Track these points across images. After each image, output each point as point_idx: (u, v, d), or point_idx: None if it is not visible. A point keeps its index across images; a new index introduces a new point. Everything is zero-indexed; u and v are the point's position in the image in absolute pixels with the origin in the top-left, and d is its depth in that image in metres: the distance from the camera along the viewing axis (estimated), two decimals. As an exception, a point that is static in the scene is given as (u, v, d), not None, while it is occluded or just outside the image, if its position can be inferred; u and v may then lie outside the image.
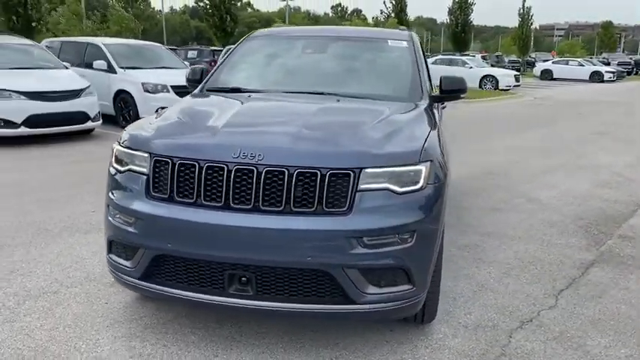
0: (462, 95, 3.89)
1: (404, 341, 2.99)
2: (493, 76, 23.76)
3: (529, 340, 3.04)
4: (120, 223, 2.75)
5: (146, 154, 2.72)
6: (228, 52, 4.30)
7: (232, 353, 2.82)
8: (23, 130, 8.38)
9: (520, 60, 44.93)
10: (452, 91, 3.79)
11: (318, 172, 2.50)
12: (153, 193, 2.68)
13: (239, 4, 18.36)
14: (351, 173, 2.52)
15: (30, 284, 3.56)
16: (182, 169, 2.62)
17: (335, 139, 2.72)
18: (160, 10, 64.68)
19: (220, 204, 2.55)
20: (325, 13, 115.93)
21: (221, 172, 2.55)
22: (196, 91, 3.91)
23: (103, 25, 32.47)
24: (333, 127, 2.87)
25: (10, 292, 3.45)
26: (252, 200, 2.52)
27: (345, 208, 2.51)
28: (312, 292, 2.58)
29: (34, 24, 13.58)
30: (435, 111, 3.67)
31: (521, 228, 5.00)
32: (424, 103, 3.53)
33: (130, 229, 2.70)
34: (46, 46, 11.87)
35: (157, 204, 2.65)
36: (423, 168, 2.65)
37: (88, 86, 9.24)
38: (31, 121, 8.41)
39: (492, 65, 32.67)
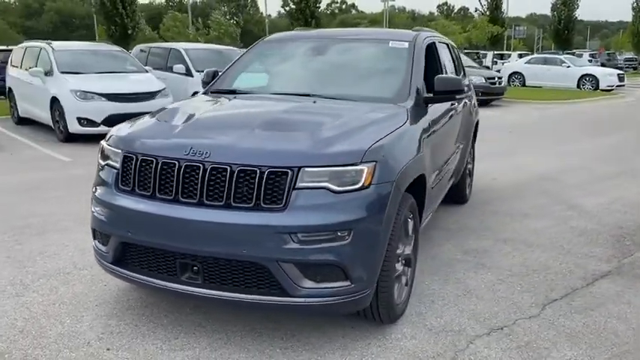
0: (457, 96, 3.82)
1: (359, 339, 3.03)
2: (593, 76, 22.27)
3: (489, 347, 2.97)
4: (98, 213, 3.05)
5: (119, 151, 3.00)
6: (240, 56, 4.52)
7: (192, 337, 3.03)
8: (102, 129, 9.17)
9: (637, 58, 41.63)
10: (445, 92, 3.74)
11: (258, 170, 2.64)
12: (121, 186, 2.95)
13: (343, 6, 18.62)
14: (289, 172, 2.62)
15: (50, 265, 4.00)
16: (143, 164, 2.86)
17: (281, 139, 2.84)
18: (266, 15, 66.98)
19: (171, 197, 2.76)
20: (430, 12, 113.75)
21: (173, 168, 2.76)
22: (201, 92, 4.17)
23: (204, 31, 34.32)
24: (286, 128, 2.99)
25: (31, 270, 3.90)
26: (198, 195, 2.71)
27: (281, 205, 2.62)
28: (253, 284, 2.72)
29: (129, 31, 14.81)
30: (423, 112, 3.64)
31: (545, 235, 4.78)
32: (407, 105, 3.52)
33: (103, 218, 3.00)
34: (141, 51, 12.89)
35: (122, 196, 2.92)
36: (364, 168, 2.69)
37: (164, 88, 9.93)
38: (111, 120, 9.18)
39: (602, 64, 30.64)
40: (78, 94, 9.12)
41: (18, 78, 11.07)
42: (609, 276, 3.93)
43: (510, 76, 24.36)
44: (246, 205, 2.64)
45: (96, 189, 3.11)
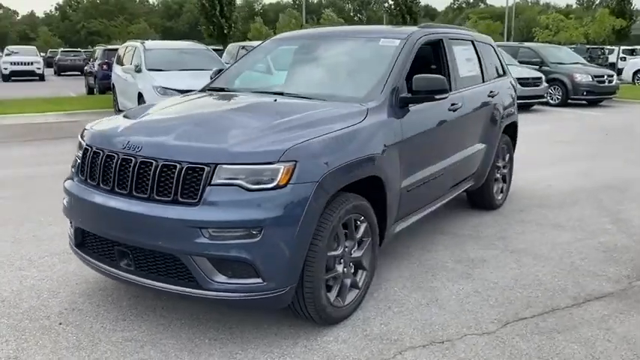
0: (437, 97, 3.64)
1: (290, 338, 3.04)
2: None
3: (417, 359, 2.84)
4: (64, 200, 3.35)
5: (83, 143, 3.27)
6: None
7: (138, 320, 3.21)
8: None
9: None
10: (424, 92, 3.59)
11: (178, 165, 2.75)
12: (79, 176, 3.22)
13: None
14: (206, 168, 2.71)
15: (61, 245, 4.41)
16: (94, 156, 3.10)
17: (206, 136, 2.93)
18: (384, 10, 66.78)
19: (109, 188, 2.97)
20: (567, 5, 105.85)
21: (112, 160, 2.96)
22: (198, 89, 4.37)
23: (316, 28, 35.03)
24: (217, 126, 3.07)
25: (44, 249, 4.34)
26: (129, 187, 2.88)
27: (195, 200, 2.71)
28: (173, 275, 2.84)
29: (225, 31, 15.60)
30: (397, 112, 3.52)
31: (561, 249, 4.39)
32: (372, 104, 3.44)
33: (66, 204, 3.29)
34: (242, 48, 13.66)
35: (79, 185, 3.18)
36: (281, 167, 2.70)
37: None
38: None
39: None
40: (159, 89, 9.82)
41: (118, 74, 12.16)
42: (606, 298, 3.54)
43: (635, 73, 22.19)
44: (166, 199, 2.77)
45: (67, 178, 3.41)
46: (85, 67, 20.70)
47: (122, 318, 3.25)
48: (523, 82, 13.48)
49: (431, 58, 4.43)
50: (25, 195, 5.91)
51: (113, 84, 12.80)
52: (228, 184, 2.69)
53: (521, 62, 15.41)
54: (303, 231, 2.76)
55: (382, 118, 3.42)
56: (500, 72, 5.53)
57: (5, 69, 27.24)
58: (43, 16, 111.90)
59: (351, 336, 3.07)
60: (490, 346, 2.96)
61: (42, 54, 32.68)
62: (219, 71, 4.55)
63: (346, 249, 3.15)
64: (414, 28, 4.24)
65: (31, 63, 27.56)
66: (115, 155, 2.95)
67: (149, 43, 11.54)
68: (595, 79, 15.00)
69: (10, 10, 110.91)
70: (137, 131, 3.12)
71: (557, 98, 15.19)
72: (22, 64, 27.45)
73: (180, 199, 2.74)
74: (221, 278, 2.75)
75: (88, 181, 3.11)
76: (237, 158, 2.72)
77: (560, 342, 3.01)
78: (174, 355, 2.87)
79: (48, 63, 37.46)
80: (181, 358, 2.84)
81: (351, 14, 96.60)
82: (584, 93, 14.89)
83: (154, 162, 2.81)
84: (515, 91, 5.72)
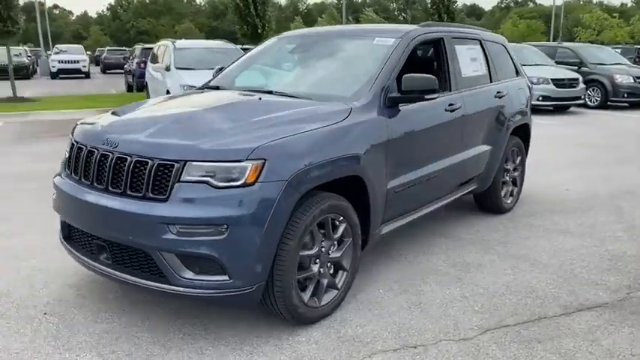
0: (426, 97, 3.57)
1: (263, 336, 3.04)
2: None
3: (385, 363, 2.80)
4: (54, 194, 3.44)
5: (71, 138, 3.36)
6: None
7: (120, 313, 3.28)
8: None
9: None
10: (414, 91, 3.53)
11: (150, 161, 2.79)
12: (66, 170, 3.31)
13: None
14: (176, 164, 2.74)
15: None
16: (78, 151, 3.18)
17: (180, 133, 2.95)
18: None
19: (89, 182, 3.04)
20: (622, 4, 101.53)
21: (93, 156, 3.03)
22: (198, 87, 4.42)
23: (356, 28, 34.97)
24: (193, 123, 3.10)
25: (47, 241, 4.42)
26: (105, 182, 2.94)
27: (164, 197, 2.74)
28: (144, 269, 2.89)
29: (259, 30, 15.72)
30: (384, 112, 3.47)
31: (563, 256, 4.24)
32: (357, 104, 3.40)
33: (55, 197, 3.38)
34: None
35: (65, 179, 3.27)
36: (249, 165, 2.70)
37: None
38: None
39: None
40: (185, 88, 9.98)
41: (150, 72, 12.44)
42: (599, 308, 3.40)
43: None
44: (137, 195, 2.81)
45: (56, 174, 3.50)
46: (125, 66, 21.28)
47: (104, 310, 3.33)
48: (558, 83, 13.07)
49: (430, 57, 4.35)
50: (48, 188, 6.10)
51: (146, 82, 13.10)
52: (196, 181, 2.71)
53: (559, 63, 14.96)
54: (271, 229, 2.75)
55: (367, 118, 3.38)
56: (513, 72, 5.38)
57: (53, 67, 28.27)
58: (96, 16, 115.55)
59: (324, 337, 3.04)
60: (463, 353, 2.89)
61: (89, 52, 33.69)
62: (221, 69, 4.59)
63: (323, 249, 3.13)
64: (412, 27, 4.18)
65: (77, 61, 28.51)
66: (95, 151, 3.02)
67: (179, 42, 11.76)
68: (637, 80, 14.39)
69: (65, 10, 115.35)
70: (117, 128, 3.18)
71: (596, 100, 14.66)
72: (68, 62, 28.42)
73: (151, 195, 2.77)
74: (189, 274, 2.77)
75: (72, 175, 3.20)
76: (206, 156, 2.74)
77: (539, 352, 2.91)
78: (146, 349, 2.91)
79: (96, 61, 38.69)
80: (151, 352, 2.88)
81: (396, 13, 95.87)
82: (625, 95, 14.32)
83: (128, 158, 2.86)
84: (530, 92, 5.56)
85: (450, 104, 4.13)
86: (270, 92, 3.76)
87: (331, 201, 3.08)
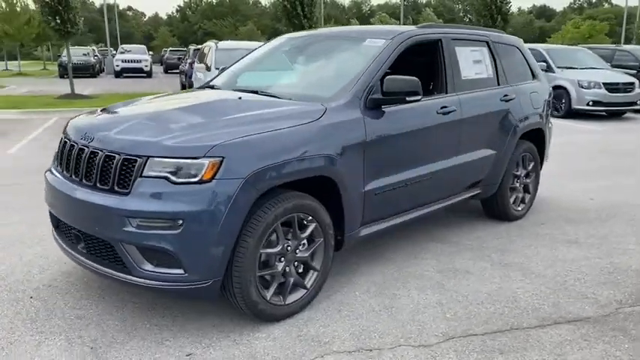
0: (408, 99, 3.53)
1: (226, 330, 3.10)
2: None
3: (334, 364, 2.80)
4: (45, 187, 3.62)
5: (62, 133, 3.55)
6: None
7: (98, 301, 3.43)
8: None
9: None
10: (395, 93, 3.50)
11: (117, 156, 2.92)
12: (54, 163, 3.50)
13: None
14: (139, 160, 2.85)
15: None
16: (63, 145, 3.35)
17: (150, 130, 3.05)
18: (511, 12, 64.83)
19: (69, 175, 3.20)
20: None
21: (73, 150, 3.19)
22: (198, 86, 4.55)
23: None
24: (163, 120, 3.20)
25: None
26: (80, 174, 3.09)
27: (127, 190, 2.86)
28: (110, 260, 3.01)
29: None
30: (364, 113, 3.46)
31: (560, 267, 4.08)
32: (334, 104, 3.41)
33: (44, 190, 3.57)
34: None
35: (52, 172, 3.45)
36: (206, 162, 2.78)
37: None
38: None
39: None
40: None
41: (195, 72, 12.82)
42: (579, 322, 3.25)
43: None
44: (105, 188, 2.94)
45: (47, 170, 3.68)
46: (180, 66, 21.97)
47: (86, 297, 3.49)
48: (611, 87, 12.47)
49: (426, 58, 4.29)
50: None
51: (192, 81, 13.50)
52: (157, 176, 2.81)
53: (617, 67, 14.26)
54: (227, 226, 2.81)
55: (343, 118, 3.38)
56: (528, 75, 5.21)
57: (117, 66, 29.57)
58: (166, 17, 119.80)
59: (284, 334, 3.07)
60: (418, 359, 2.85)
61: (151, 52, 34.98)
62: (224, 69, 4.70)
63: (289, 248, 3.16)
64: (407, 28, 4.13)
65: (140, 61, 29.67)
66: (75, 145, 3.18)
67: (222, 43, 12.05)
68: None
69: (138, 12, 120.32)
70: (96, 124, 3.33)
71: (656, 106, 13.84)
72: (131, 61, 29.63)
73: (116, 189, 2.89)
74: (148, 266, 2.87)
75: (58, 168, 3.38)
76: (167, 152, 2.83)
77: (495, 364, 2.82)
78: (111, 336, 3.04)
79: (161, 61, 40.14)
80: (115, 339, 3.01)
81: (461, 14, 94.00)
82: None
83: (99, 152, 2.99)
84: (549, 95, 5.36)
85: (444, 107, 4.05)
86: (255, 92, 3.83)
87: (297, 200, 3.11)
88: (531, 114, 5.00)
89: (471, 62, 4.47)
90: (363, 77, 3.59)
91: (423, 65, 4.37)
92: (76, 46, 35.73)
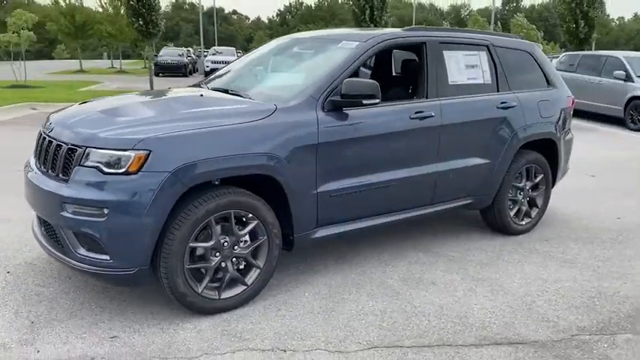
0: (364, 102, 3.48)
1: (160, 318, 3.22)
2: None
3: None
4: None
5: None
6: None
7: (61, 281, 3.67)
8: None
9: None
10: (352, 96, 3.46)
11: (64, 145, 3.13)
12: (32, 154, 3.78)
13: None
14: (79, 150, 3.04)
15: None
16: (37, 136, 3.63)
17: (97, 123, 3.23)
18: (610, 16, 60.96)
19: (36, 163, 3.46)
20: None
21: (39, 139, 3.45)
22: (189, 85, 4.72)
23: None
24: (121, 115, 3.39)
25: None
26: (40, 162, 3.34)
27: (67, 178, 3.06)
28: (58, 243, 3.21)
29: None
30: (313, 114, 3.45)
31: (538, 286, 3.82)
32: (285, 105, 3.43)
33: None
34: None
35: (28, 162, 3.73)
36: (132, 155, 2.91)
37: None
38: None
39: None
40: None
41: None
42: (521, 345, 3.05)
43: None
44: (53, 175, 3.16)
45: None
46: (259, 67, 22.64)
47: (55, 277, 3.74)
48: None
49: (407, 62, 4.18)
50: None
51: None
52: (91, 166, 2.98)
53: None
54: (150, 217, 2.92)
55: (293, 119, 3.39)
56: (540, 82, 4.91)
57: (207, 66, 30.94)
58: (267, 21, 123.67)
59: (210, 328, 3.14)
60: (326, 365, 2.81)
61: (239, 52, 36.22)
62: (214, 70, 4.84)
63: (226, 243, 3.22)
64: (387, 31, 4.06)
65: (228, 62, 30.77)
66: (42, 134, 3.44)
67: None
68: None
69: (242, 15, 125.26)
70: (60, 116, 3.56)
71: None
72: (220, 62, 30.86)
73: (61, 176, 3.10)
74: (82, 251, 3.05)
75: (33, 157, 3.65)
76: (100, 143, 2.99)
77: (403, 377, 2.72)
78: (55, 313, 3.25)
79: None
80: (57, 317, 3.21)
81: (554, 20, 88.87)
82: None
83: (53, 142, 3.22)
84: (563, 103, 5.02)
85: (419, 112, 3.93)
86: (226, 91, 3.92)
87: (232, 197, 3.16)
88: (537, 123, 4.70)
89: (462, 67, 4.30)
90: (324, 79, 3.58)
91: (405, 69, 4.26)
92: (174, 47, 37.92)
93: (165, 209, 2.96)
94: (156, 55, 30.97)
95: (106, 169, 2.94)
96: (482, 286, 3.80)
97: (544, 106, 4.78)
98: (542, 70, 4.94)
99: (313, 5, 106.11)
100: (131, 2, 15.07)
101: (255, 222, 3.29)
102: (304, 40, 4.50)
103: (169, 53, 31.96)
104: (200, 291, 3.18)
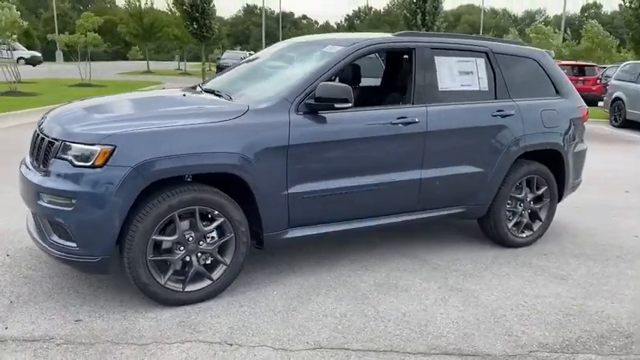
0: (336, 105, 3.52)
1: (127, 306, 3.38)
2: None
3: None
4: None
5: None
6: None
7: (51, 265, 3.92)
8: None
9: None
10: (327, 99, 3.51)
11: (46, 139, 3.36)
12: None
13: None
14: (56, 143, 3.25)
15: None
16: (33, 133, 3.89)
17: (76, 118, 3.44)
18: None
19: (32, 160, 3.70)
20: None
21: (34, 136, 3.71)
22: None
23: (573, 42, 32.19)
24: (102, 111, 3.58)
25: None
26: (32, 155, 3.58)
27: (46, 169, 3.28)
28: (39, 231, 3.43)
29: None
30: (285, 116, 3.51)
31: (513, 300, 3.71)
32: (256, 106, 3.52)
33: None
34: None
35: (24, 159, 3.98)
36: (98, 149, 3.09)
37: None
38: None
39: None
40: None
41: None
42: (473, 357, 2.99)
43: None
44: (37, 166, 3.39)
45: None
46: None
47: (47, 262, 3.97)
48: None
49: (397, 67, 4.17)
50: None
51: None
52: (64, 158, 3.18)
53: None
54: (112, 209, 3.08)
55: (264, 120, 3.47)
56: (548, 91, 4.76)
57: (220, 65, 31.67)
58: (335, 26, 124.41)
59: (169, 319, 3.26)
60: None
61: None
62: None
63: (190, 238, 3.34)
64: (377, 35, 4.08)
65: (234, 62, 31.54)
66: (35, 130, 3.69)
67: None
68: None
69: (312, 20, 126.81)
70: (54, 113, 3.79)
71: None
72: (228, 60, 31.58)
73: (42, 167, 3.33)
74: (55, 238, 3.26)
75: (28, 154, 3.91)
76: (74, 138, 3.19)
77: (338, 379, 2.73)
78: (35, 296, 3.48)
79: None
80: (35, 298, 3.44)
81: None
82: None
83: (39, 135, 3.46)
84: (573, 113, 4.83)
85: (401, 117, 3.91)
86: (212, 92, 4.06)
87: (197, 194, 3.28)
88: (539, 133, 4.55)
89: (455, 73, 4.23)
90: (299, 82, 3.64)
91: (395, 75, 4.24)
92: (237, 50, 38.98)
93: (127, 202, 3.11)
94: (218, 58, 31.98)
95: (76, 162, 3.13)
96: (456, 296, 3.73)
97: (548, 115, 4.62)
98: (550, 79, 4.78)
99: (382, 10, 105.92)
100: (185, 7, 15.68)
101: (222, 219, 3.39)
102: (299, 44, 4.57)
103: (231, 56, 32.86)
104: (163, 282, 3.31)
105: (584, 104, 5.01)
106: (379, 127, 3.85)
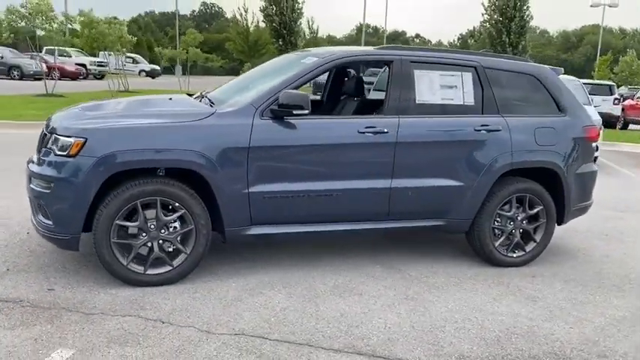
0: (294, 112, 3.75)
1: (99, 282, 3.80)
2: None
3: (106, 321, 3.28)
4: None
5: None
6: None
7: (52, 251, 4.47)
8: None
9: None
10: (286, 106, 3.76)
11: (44, 131, 3.91)
12: None
13: None
14: (49, 134, 3.79)
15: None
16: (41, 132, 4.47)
17: (72, 115, 3.95)
18: None
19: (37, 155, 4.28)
20: None
21: (41, 134, 4.29)
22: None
23: None
24: (97, 110, 4.06)
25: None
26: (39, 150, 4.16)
27: (39, 158, 3.81)
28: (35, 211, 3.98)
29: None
30: (249, 120, 3.78)
31: (463, 314, 3.67)
32: (223, 110, 3.84)
33: None
34: None
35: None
36: (72, 141, 3.56)
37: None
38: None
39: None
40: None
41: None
42: (372, 357, 3.05)
43: None
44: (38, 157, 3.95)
45: None
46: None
47: (43, 245, 4.52)
48: None
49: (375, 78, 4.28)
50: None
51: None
52: (51, 149, 3.69)
53: None
54: (80, 194, 3.53)
55: (227, 123, 3.77)
56: (549, 108, 4.61)
57: None
58: (448, 45, 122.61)
59: (125, 295, 3.62)
60: (185, 339, 3.13)
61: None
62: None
63: (152, 226, 3.70)
64: (349, 49, 4.26)
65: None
66: (43, 129, 4.26)
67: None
68: None
69: (425, 39, 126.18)
70: (58, 112, 4.34)
71: None
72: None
73: (42, 158, 3.86)
74: (40, 217, 3.77)
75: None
76: (60, 131, 3.69)
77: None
78: (29, 267, 4.01)
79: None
80: (28, 268, 3.97)
81: None
82: None
83: (43, 131, 4.02)
84: (576, 132, 4.64)
85: (370, 127, 4.03)
86: (203, 97, 4.44)
87: (159, 186, 3.65)
88: (530, 150, 4.44)
89: (436, 86, 4.27)
90: (267, 89, 3.92)
91: (365, 83, 4.37)
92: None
93: (92, 188, 3.54)
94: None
95: (57, 152, 3.62)
96: (406, 304, 3.77)
97: (543, 133, 4.49)
98: (552, 96, 4.63)
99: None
100: (274, 24, 16.53)
101: (182, 211, 3.73)
102: (292, 56, 4.84)
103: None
104: (126, 264, 3.70)
105: (594, 123, 4.78)
106: (345, 135, 4.01)
